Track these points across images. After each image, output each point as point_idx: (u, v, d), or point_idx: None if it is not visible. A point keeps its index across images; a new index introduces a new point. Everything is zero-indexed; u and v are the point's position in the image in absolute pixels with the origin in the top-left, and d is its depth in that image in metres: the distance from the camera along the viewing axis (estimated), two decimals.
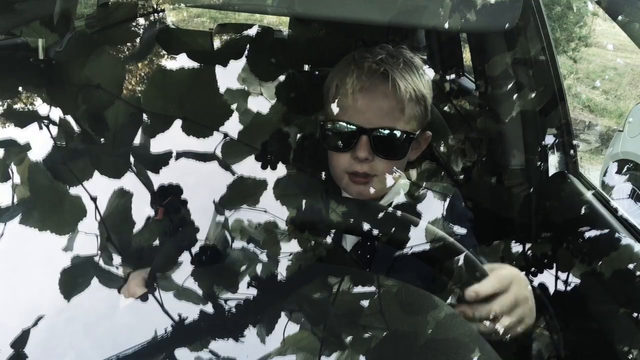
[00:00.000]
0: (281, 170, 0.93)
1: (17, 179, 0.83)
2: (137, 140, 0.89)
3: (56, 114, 0.89)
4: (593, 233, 1.05)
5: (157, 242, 0.84)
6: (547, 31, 1.24)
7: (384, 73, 0.90)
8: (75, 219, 0.82)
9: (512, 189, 1.28)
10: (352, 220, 0.85)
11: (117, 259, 0.80)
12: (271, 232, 0.83)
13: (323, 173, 0.99)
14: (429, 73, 1.01)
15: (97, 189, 0.83)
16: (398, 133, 0.92)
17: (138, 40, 1.04)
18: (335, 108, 0.94)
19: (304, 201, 0.88)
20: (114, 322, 0.76)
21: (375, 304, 0.76)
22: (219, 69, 0.98)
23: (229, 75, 0.99)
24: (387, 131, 0.91)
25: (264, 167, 0.93)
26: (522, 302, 0.75)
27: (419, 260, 0.79)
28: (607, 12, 0.83)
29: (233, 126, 0.92)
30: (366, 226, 0.83)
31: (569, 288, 0.93)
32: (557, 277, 0.94)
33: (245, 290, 0.77)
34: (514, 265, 0.99)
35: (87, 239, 0.81)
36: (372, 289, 0.78)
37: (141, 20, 1.05)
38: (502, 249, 1.01)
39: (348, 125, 0.91)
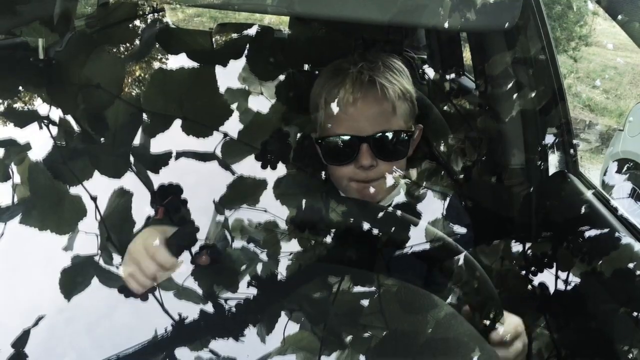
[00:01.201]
0: (281, 169, 0.93)
1: (17, 178, 0.83)
2: (137, 140, 0.89)
3: (56, 113, 0.89)
4: (593, 232, 1.05)
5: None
6: (547, 30, 1.24)
7: (370, 80, 0.91)
8: (75, 219, 0.82)
9: (512, 188, 1.28)
10: (352, 220, 0.85)
11: (117, 258, 0.80)
12: (271, 232, 0.83)
13: (323, 173, 0.99)
14: (429, 72, 1.01)
15: (97, 189, 0.83)
16: (396, 133, 0.93)
17: (138, 40, 1.04)
18: (328, 123, 0.94)
19: (304, 201, 0.88)
20: (114, 321, 0.76)
21: (375, 303, 0.76)
22: (219, 68, 0.98)
23: (229, 75, 0.99)
24: (385, 134, 0.92)
25: (264, 166, 0.93)
26: (525, 347, 0.81)
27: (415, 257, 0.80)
28: (607, 11, 0.83)
29: (233, 126, 0.92)
30: (366, 226, 0.83)
31: (569, 287, 0.93)
32: (557, 277, 0.94)
33: (246, 290, 0.77)
34: (514, 264, 0.99)
35: (87, 239, 0.81)
36: (372, 288, 0.78)
37: (141, 20, 1.05)
38: (502, 249, 1.01)
39: (346, 137, 0.92)
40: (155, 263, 0.76)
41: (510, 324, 0.80)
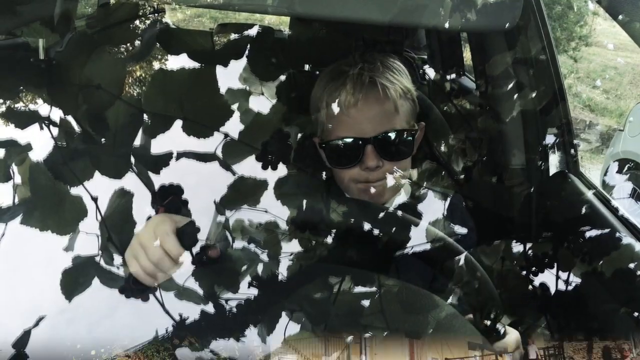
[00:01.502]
0: (282, 170, 0.93)
1: (18, 179, 0.83)
2: (138, 140, 0.89)
3: (57, 114, 0.89)
4: (594, 232, 1.05)
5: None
6: (547, 30, 1.24)
7: (371, 81, 0.91)
8: (76, 219, 0.82)
9: (512, 188, 1.27)
10: (352, 220, 0.85)
11: (118, 259, 0.80)
12: (272, 232, 0.83)
13: (323, 173, 0.99)
14: (430, 72, 1.01)
15: (98, 189, 0.83)
16: (400, 133, 0.93)
17: (138, 40, 1.04)
18: (330, 126, 0.94)
19: (304, 201, 0.88)
20: (116, 322, 0.76)
21: (376, 303, 0.76)
22: (220, 68, 0.98)
23: (230, 75, 0.99)
24: (388, 134, 0.92)
25: (264, 167, 0.93)
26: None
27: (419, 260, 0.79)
28: (607, 11, 0.84)
29: (234, 126, 0.92)
30: (367, 226, 0.83)
31: (569, 288, 0.93)
32: (557, 277, 0.94)
33: (246, 290, 0.77)
34: (514, 265, 0.99)
35: (88, 239, 0.81)
36: (373, 288, 0.78)
37: (141, 21, 1.05)
38: (503, 249, 1.01)
39: (350, 140, 0.92)
40: (162, 250, 0.74)
41: (512, 338, 0.81)
